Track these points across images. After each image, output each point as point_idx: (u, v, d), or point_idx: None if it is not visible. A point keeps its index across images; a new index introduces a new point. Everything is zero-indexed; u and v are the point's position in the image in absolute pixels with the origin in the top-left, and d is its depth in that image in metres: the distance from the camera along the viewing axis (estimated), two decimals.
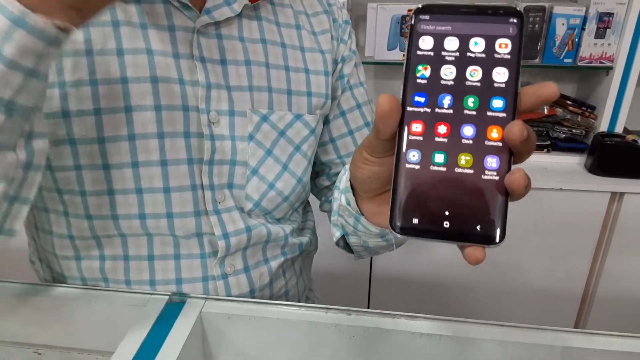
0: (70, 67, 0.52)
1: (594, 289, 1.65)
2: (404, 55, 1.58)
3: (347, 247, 0.68)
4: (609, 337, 0.53)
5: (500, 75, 0.35)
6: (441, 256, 1.60)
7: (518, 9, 0.35)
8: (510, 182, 0.34)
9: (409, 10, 1.56)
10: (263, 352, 0.57)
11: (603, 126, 1.59)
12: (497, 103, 0.35)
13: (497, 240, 0.34)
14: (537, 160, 1.65)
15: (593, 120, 1.62)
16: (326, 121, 0.71)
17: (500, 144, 0.34)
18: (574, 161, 1.64)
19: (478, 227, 0.34)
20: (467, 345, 0.53)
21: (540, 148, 1.66)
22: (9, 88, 0.38)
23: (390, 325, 0.54)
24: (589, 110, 1.62)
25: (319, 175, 0.76)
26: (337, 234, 0.64)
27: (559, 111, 1.64)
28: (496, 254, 1.55)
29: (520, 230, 1.54)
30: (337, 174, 0.74)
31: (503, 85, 0.35)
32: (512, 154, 0.35)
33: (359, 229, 0.54)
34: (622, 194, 1.52)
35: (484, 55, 0.35)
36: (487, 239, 0.34)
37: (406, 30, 1.58)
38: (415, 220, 0.35)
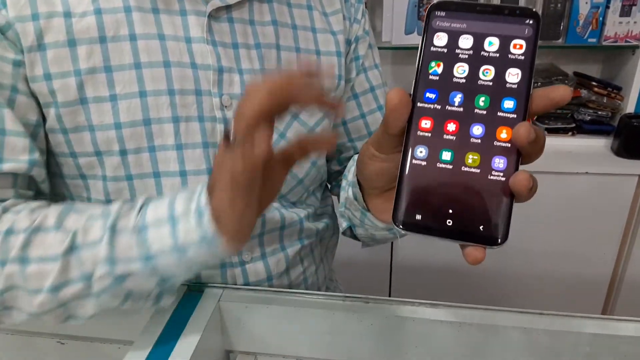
0: (84, 55, 0.52)
1: (622, 275, 1.61)
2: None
3: (354, 236, 0.68)
4: (638, 323, 0.51)
5: (513, 76, 0.35)
6: None
7: (535, 9, 0.35)
8: (514, 183, 0.33)
9: None
10: (281, 341, 0.57)
11: (630, 107, 1.55)
12: (508, 104, 0.34)
13: (499, 242, 0.34)
14: (562, 144, 1.61)
15: (619, 102, 1.57)
16: None
17: (508, 144, 0.34)
18: (599, 144, 1.60)
19: (481, 227, 0.34)
20: (490, 333, 0.52)
21: (565, 131, 1.62)
22: (170, 275, 0.46)
23: (409, 313, 0.53)
24: (614, 91, 1.57)
25: (330, 159, 0.75)
26: (344, 224, 0.64)
27: (583, 93, 1.60)
28: (521, 240, 1.53)
29: (546, 216, 1.51)
30: (348, 158, 0.73)
31: (515, 86, 0.35)
32: (520, 155, 0.34)
33: (366, 223, 0.54)
34: None
35: (497, 55, 0.35)
36: (489, 240, 0.34)
37: (424, 14, 1.55)
38: (418, 217, 0.35)
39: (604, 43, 1.52)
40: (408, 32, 1.57)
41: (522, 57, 0.35)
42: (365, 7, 0.71)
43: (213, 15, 0.57)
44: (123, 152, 0.55)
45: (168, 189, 0.57)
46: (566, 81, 1.61)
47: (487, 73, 0.35)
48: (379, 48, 0.75)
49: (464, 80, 0.35)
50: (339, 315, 0.54)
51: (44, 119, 0.55)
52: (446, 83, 0.35)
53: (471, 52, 0.35)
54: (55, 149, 0.56)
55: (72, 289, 0.45)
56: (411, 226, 0.35)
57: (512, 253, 1.60)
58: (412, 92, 0.36)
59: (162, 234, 0.43)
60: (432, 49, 0.36)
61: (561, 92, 0.34)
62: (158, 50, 0.54)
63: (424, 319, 0.52)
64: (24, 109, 0.53)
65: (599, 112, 1.61)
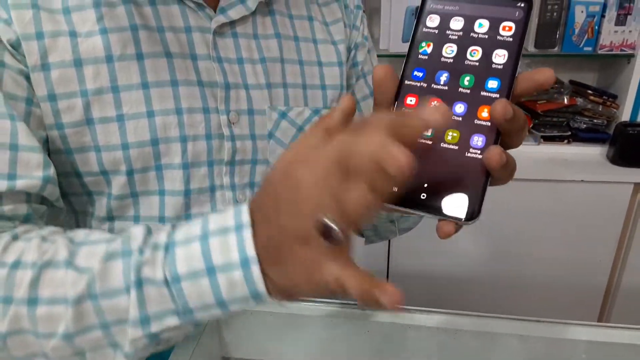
0: (91, 76, 0.51)
1: (618, 282, 1.61)
2: None
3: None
4: (634, 330, 0.51)
5: (500, 57, 0.35)
6: (460, 250, 1.58)
7: None
8: (486, 157, 0.33)
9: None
10: (278, 347, 0.57)
11: (625, 116, 1.55)
12: (492, 84, 0.35)
13: (470, 218, 0.34)
14: (558, 152, 1.62)
15: (615, 110, 1.58)
16: None
17: (489, 123, 0.35)
18: (595, 152, 1.61)
19: (453, 203, 0.34)
20: (486, 340, 0.52)
21: (561, 139, 1.63)
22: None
23: (405, 320, 0.53)
24: (610, 99, 1.58)
25: None
26: None
27: (579, 101, 1.61)
28: (517, 247, 1.53)
29: (542, 223, 1.52)
30: None
31: (500, 67, 0.35)
32: (499, 135, 0.35)
33: None
34: None
35: (486, 37, 0.36)
36: (460, 215, 0.34)
37: None
38: (394, 189, 0.35)
39: (600, 52, 1.53)
40: (405, 39, 1.58)
41: (510, 39, 0.35)
42: (364, 13, 0.71)
43: (217, 31, 0.56)
44: (130, 172, 0.55)
45: (171, 207, 0.57)
46: (562, 89, 1.62)
47: (474, 53, 0.36)
48: (377, 55, 0.76)
49: (451, 60, 0.36)
50: (336, 321, 0.54)
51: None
52: (434, 62, 0.36)
53: (461, 33, 0.36)
54: (58, 169, 0.54)
55: (89, 337, 0.39)
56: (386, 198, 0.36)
57: (508, 260, 1.60)
58: (401, 71, 0.37)
59: (200, 289, 0.36)
60: (424, 30, 0.37)
61: (545, 75, 0.34)
62: (165, 68, 0.54)
63: (420, 325, 0.53)
64: (39, 122, 0.51)
65: (595, 120, 1.61)
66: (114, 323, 0.39)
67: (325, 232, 0.31)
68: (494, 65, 0.35)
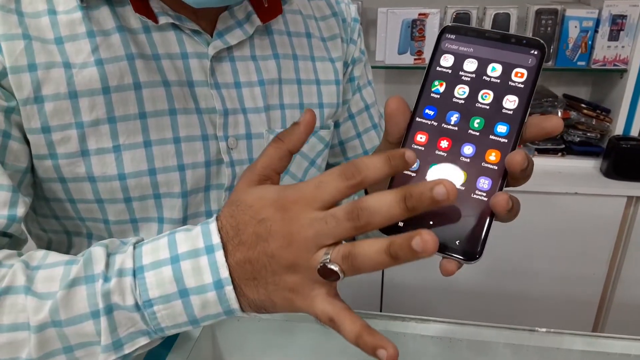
0: (87, 107, 0.50)
1: (611, 295, 1.62)
2: (415, 59, 1.59)
3: None
4: (628, 341, 0.52)
5: (511, 102, 0.36)
6: None
7: (541, 42, 0.36)
8: (493, 203, 0.34)
9: (420, 14, 1.56)
10: (272, 355, 0.56)
11: (618, 129, 1.57)
12: (502, 128, 0.36)
13: (473, 258, 0.35)
14: (552, 164, 1.63)
15: (608, 124, 1.60)
16: (336, 124, 0.70)
17: (495, 167, 0.35)
18: (589, 165, 1.62)
19: (457, 242, 0.35)
20: (480, 349, 0.52)
21: (554, 152, 1.64)
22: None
23: (400, 328, 0.53)
24: (603, 113, 1.60)
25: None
26: None
27: (573, 114, 1.63)
28: (510, 259, 1.53)
29: (535, 235, 1.52)
30: None
31: (511, 113, 0.36)
32: (505, 178, 0.35)
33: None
34: (638, 198, 1.49)
35: (498, 81, 0.36)
36: (463, 255, 0.35)
37: (417, 34, 1.57)
38: (400, 224, 0.36)
39: (593, 66, 1.55)
40: (401, 52, 1.60)
41: (522, 86, 0.36)
42: (360, 25, 0.72)
43: (215, 57, 0.55)
44: (128, 200, 0.54)
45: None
46: (556, 103, 1.64)
47: (485, 97, 0.36)
48: (373, 67, 0.77)
49: (462, 101, 0.37)
50: (330, 330, 0.54)
51: (32, 169, 0.52)
52: (446, 102, 0.37)
53: (474, 75, 0.37)
54: (50, 195, 0.54)
55: None
56: (392, 232, 0.36)
57: (502, 272, 1.60)
58: (413, 107, 0.38)
59: (173, 311, 0.38)
60: (438, 68, 0.37)
61: (553, 123, 0.35)
62: (163, 98, 0.53)
63: (414, 334, 0.53)
64: (15, 156, 0.49)
65: (588, 134, 1.63)
66: (79, 346, 0.39)
67: (327, 274, 0.34)
68: (504, 110, 0.36)
